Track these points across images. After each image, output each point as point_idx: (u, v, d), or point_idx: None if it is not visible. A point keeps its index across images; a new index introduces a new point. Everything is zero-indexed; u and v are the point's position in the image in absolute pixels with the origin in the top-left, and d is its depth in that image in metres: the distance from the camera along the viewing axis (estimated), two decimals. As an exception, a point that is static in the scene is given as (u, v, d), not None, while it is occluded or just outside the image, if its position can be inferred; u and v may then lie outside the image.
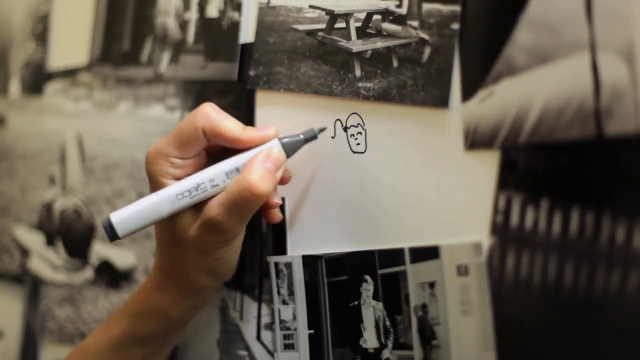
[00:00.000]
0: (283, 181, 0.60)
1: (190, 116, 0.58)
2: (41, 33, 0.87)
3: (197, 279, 0.61)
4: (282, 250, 0.64)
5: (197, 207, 0.58)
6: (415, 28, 0.56)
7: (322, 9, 0.61)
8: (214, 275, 0.62)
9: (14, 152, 0.88)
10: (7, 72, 0.90)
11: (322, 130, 0.59)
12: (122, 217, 0.58)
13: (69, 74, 0.83)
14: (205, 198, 0.57)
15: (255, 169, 0.56)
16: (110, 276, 0.78)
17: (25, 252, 0.86)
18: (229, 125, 0.57)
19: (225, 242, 0.58)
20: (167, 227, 0.59)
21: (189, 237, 0.58)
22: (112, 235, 0.58)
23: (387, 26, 0.58)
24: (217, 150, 0.60)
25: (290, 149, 0.59)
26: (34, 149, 0.86)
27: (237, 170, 0.57)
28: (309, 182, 0.61)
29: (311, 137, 0.59)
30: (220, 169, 0.58)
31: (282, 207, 0.62)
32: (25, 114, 0.88)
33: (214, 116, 0.57)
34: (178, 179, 0.58)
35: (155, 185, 0.59)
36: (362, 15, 0.59)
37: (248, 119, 0.66)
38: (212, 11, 0.70)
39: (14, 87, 0.89)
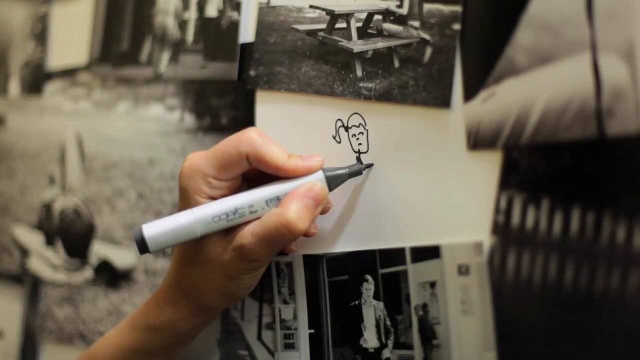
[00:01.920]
0: (322, 212, 0.59)
1: (234, 140, 0.57)
2: (41, 33, 0.86)
3: (214, 300, 0.60)
4: (282, 251, 0.63)
5: (228, 230, 0.57)
6: (416, 28, 0.56)
7: (323, 9, 0.61)
8: (231, 297, 0.61)
9: (14, 152, 0.88)
10: (7, 72, 0.90)
11: (369, 166, 0.58)
12: (155, 232, 0.56)
13: (69, 74, 0.83)
14: (241, 223, 0.56)
15: (295, 204, 0.55)
16: (110, 276, 0.78)
17: (25, 252, 0.86)
18: (274, 153, 0.56)
19: (252, 270, 0.58)
20: (194, 246, 0.58)
21: (216, 260, 0.57)
22: (143, 249, 0.56)
23: (388, 26, 0.58)
24: (255, 173, 0.59)
25: (334, 182, 0.57)
26: (34, 149, 0.86)
27: (278, 199, 0.56)
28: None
29: (356, 172, 0.58)
30: (261, 195, 0.56)
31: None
32: (25, 114, 0.87)
33: (259, 143, 0.56)
34: (213, 198, 0.57)
35: (187, 201, 0.58)
36: (363, 16, 0.59)
37: (248, 119, 0.66)
38: (212, 11, 0.70)
39: (14, 87, 0.89)
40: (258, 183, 0.58)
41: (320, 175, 0.57)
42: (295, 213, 0.55)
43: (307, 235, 0.59)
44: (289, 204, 0.55)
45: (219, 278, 0.58)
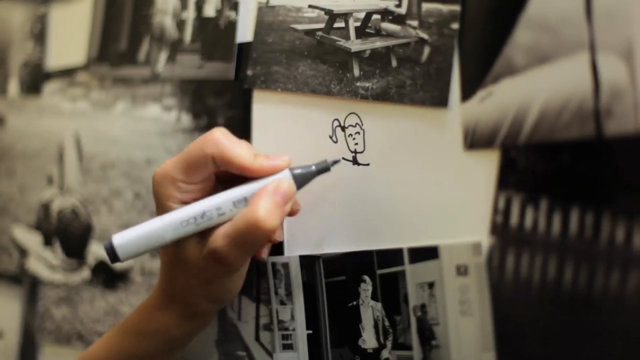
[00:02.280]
0: (291, 213, 0.59)
1: (200, 142, 0.56)
2: (39, 33, 0.86)
3: (199, 304, 0.60)
4: (279, 251, 0.63)
5: (204, 234, 0.56)
6: (414, 28, 0.56)
7: (321, 9, 0.61)
8: (216, 301, 0.61)
9: (13, 152, 0.88)
10: (6, 72, 0.90)
11: (335, 162, 0.57)
12: (125, 240, 0.56)
13: (67, 73, 0.83)
14: (211, 226, 0.56)
15: (264, 202, 0.54)
16: (107, 276, 0.78)
17: (23, 252, 0.86)
18: (239, 153, 0.55)
19: (229, 273, 0.58)
20: (173, 251, 0.58)
21: (193, 265, 0.57)
22: (114, 258, 0.56)
23: (387, 26, 0.58)
24: (227, 174, 0.58)
25: (302, 180, 0.57)
26: (33, 149, 0.86)
27: (245, 199, 0.56)
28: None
29: (324, 168, 0.57)
30: (228, 197, 0.56)
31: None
32: (24, 114, 0.87)
33: (224, 143, 0.55)
34: (185, 203, 0.57)
35: (161, 207, 0.58)
36: (361, 15, 0.59)
37: (245, 118, 0.65)
38: (209, 10, 0.70)
39: (13, 87, 0.89)
40: (232, 185, 0.57)
41: (286, 173, 0.56)
42: (263, 210, 0.54)
43: (272, 241, 0.58)
44: (257, 202, 0.54)
45: (199, 284, 0.58)
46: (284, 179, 0.56)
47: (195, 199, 0.57)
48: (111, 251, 0.56)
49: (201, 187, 0.57)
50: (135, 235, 0.56)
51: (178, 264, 0.58)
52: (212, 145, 0.56)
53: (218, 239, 0.55)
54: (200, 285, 0.58)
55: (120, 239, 0.56)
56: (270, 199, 0.54)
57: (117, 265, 0.77)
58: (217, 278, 0.58)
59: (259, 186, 0.56)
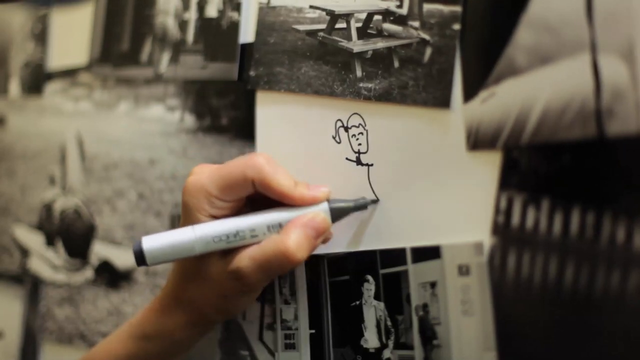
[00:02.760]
0: (323, 242, 0.59)
1: (241, 164, 0.56)
2: (41, 33, 0.86)
3: (208, 315, 0.60)
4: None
5: (228, 250, 0.56)
6: (416, 28, 0.56)
7: (323, 9, 0.61)
8: (226, 313, 0.61)
9: (14, 152, 0.88)
10: (7, 72, 0.90)
11: (374, 202, 0.58)
12: (154, 246, 0.56)
13: (69, 74, 0.83)
14: (240, 245, 0.56)
15: (295, 234, 0.54)
16: (110, 276, 0.78)
17: (25, 252, 0.86)
18: (280, 180, 0.55)
19: (246, 292, 0.58)
20: (192, 262, 0.58)
21: (213, 279, 0.57)
22: (141, 262, 0.56)
23: (388, 26, 0.58)
24: (259, 194, 0.58)
25: (338, 214, 0.57)
26: (34, 149, 0.86)
27: (280, 225, 0.56)
28: (310, 182, 0.61)
29: (361, 206, 0.57)
30: (263, 220, 0.56)
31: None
32: (25, 114, 0.87)
33: (266, 170, 0.55)
34: (214, 217, 0.57)
35: (188, 216, 0.57)
36: (363, 16, 0.59)
37: (248, 119, 0.65)
38: (212, 11, 0.70)
39: (14, 87, 0.89)
40: (261, 205, 0.57)
41: (324, 206, 0.57)
42: (294, 242, 0.54)
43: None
44: (289, 232, 0.55)
45: (214, 296, 0.58)
46: (320, 213, 0.56)
47: (225, 216, 0.57)
48: (140, 254, 0.56)
49: (233, 205, 0.57)
50: (165, 242, 0.56)
51: (195, 275, 0.58)
52: (254, 170, 0.56)
53: (244, 259, 0.55)
54: (215, 298, 0.58)
55: (150, 244, 0.56)
56: (303, 231, 0.55)
57: (121, 265, 0.77)
58: (233, 294, 0.58)
59: (295, 214, 0.56)
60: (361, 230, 0.59)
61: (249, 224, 0.56)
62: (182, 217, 0.58)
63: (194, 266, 0.58)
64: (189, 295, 0.60)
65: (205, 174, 0.57)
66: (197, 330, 0.62)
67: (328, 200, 0.57)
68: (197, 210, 0.57)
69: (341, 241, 0.60)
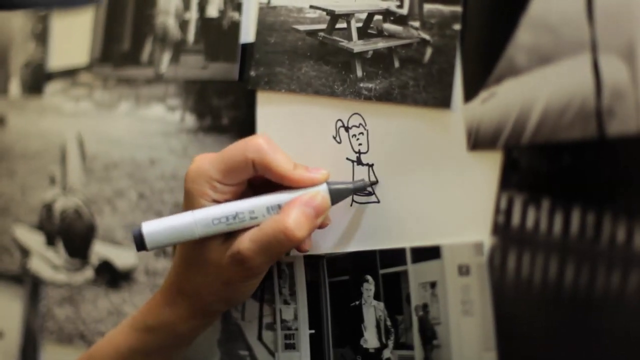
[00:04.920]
0: (321, 226, 0.59)
1: (241, 145, 0.57)
2: (41, 33, 0.86)
3: (211, 304, 0.60)
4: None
5: (228, 236, 0.57)
6: (416, 28, 0.56)
7: (323, 9, 0.61)
8: (229, 302, 0.61)
9: (14, 152, 0.88)
10: (7, 72, 0.90)
11: (373, 183, 0.58)
12: (154, 229, 0.56)
13: (69, 74, 0.83)
14: (240, 228, 0.56)
15: (295, 212, 0.55)
16: (111, 276, 0.78)
17: (25, 252, 0.86)
18: (280, 161, 0.56)
19: (249, 277, 0.58)
20: (194, 248, 0.58)
21: (214, 265, 0.57)
22: (141, 245, 0.56)
23: (388, 26, 0.58)
24: (260, 180, 0.58)
25: (337, 196, 0.57)
26: (34, 149, 0.86)
27: (279, 206, 0.56)
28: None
29: (360, 187, 0.58)
30: (262, 202, 0.56)
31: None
32: (26, 114, 0.87)
33: (265, 149, 0.56)
34: (216, 202, 0.57)
35: (191, 203, 0.58)
36: (363, 16, 0.59)
37: (249, 119, 0.66)
38: (212, 11, 0.70)
39: (14, 87, 0.89)
40: (263, 191, 0.57)
41: (324, 187, 0.57)
42: (294, 220, 0.54)
43: (300, 250, 0.59)
44: (288, 211, 0.55)
45: (217, 283, 0.58)
46: (319, 192, 0.56)
47: (227, 200, 0.57)
48: (139, 238, 0.56)
49: (235, 189, 0.58)
50: (165, 226, 0.56)
51: (197, 263, 0.58)
52: (254, 150, 0.56)
53: (245, 241, 0.55)
54: (218, 286, 0.58)
55: (150, 227, 0.56)
56: (302, 210, 0.55)
57: (121, 265, 0.77)
58: (236, 280, 0.58)
59: (294, 196, 0.56)
60: (361, 229, 0.59)
61: (248, 206, 0.56)
62: (184, 205, 0.59)
63: (195, 254, 0.58)
64: (191, 285, 0.60)
65: (207, 160, 0.57)
66: (199, 322, 0.62)
67: (327, 182, 0.57)
68: (199, 195, 0.57)
69: (340, 241, 0.60)
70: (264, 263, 0.56)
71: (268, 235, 0.55)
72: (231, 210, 0.56)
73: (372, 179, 0.58)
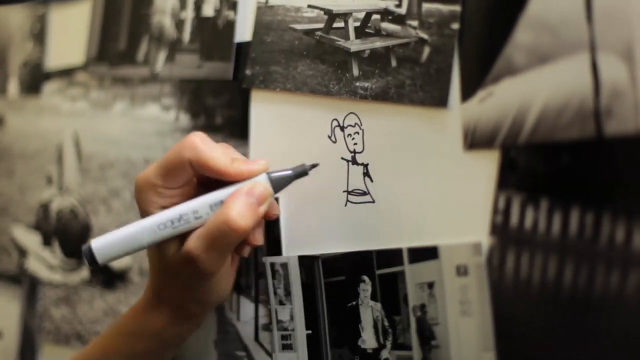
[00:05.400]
0: (267, 217, 0.59)
1: (177, 147, 0.57)
2: (39, 33, 0.86)
3: (186, 307, 0.61)
4: (277, 251, 0.63)
5: (184, 238, 0.56)
6: (414, 28, 0.56)
7: (321, 9, 0.61)
8: (202, 303, 0.61)
9: (13, 152, 0.88)
10: (6, 72, 0.90)
11: (313, 166, 0.58)
12: (103, 244, 0.57)
13: (66, 73, 0.83)
14: (188, 229, 0.56)
15: (236, 203, 0.55)
16: (106, 277, 0.78)
17: (22, 252, 0.86)
18: (216, 157, 0.56)
19: (205, 277, 0.57)
20: (156, 254, 0.59)
21: (172, 269, 0.57)
22: (92, 261, 0.57)
23: (386, 26, 0.58)
24: (208, 179, 0.58)
25: (279, 184, 0.57)
26: (32, 149, 0.86)
27: (222, 202, 0.56)
28: (305, 181, 0.61)
29: (301, 172, 0.58)
30: (205, 200, 0.56)
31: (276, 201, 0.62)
32: (23, 113, 0.87)
33: (200, 148, 0.56)
34: (165, 208, 0.57)
35: (143, 213, 0.58)
36: (361, 15, 0.59)
37: (243, 118, 0.65)
38: (208, 10, 0.70)
39: (12, 87, 0.89)
40: (214, 190, 0.57)
41: (263, 177, 0.57)
42: (235, 210, 0.54)
43: (250, 243, 0.58)
44: (229, 203, 0.55)
45: (181, 287, 0.58)
46: (259, 182, 0.56)
47: (176, 204, 0.57)
48: (89, 255, 0.57)
49: (181, 191, 0.58)
50: (114, 239, 0.57)
51: (161, 268, 0.59)
52: (189, 149, 0.56)
53: (192, 240, 0.55)
54: (183, 289, 0.59)
55: (99, 243, 0.57)
56: (243, 200, 0.55)
57: (116, 266, 0.77)
58: (196, 281, 0.58)
59: (235, 189, 0.56)
60: (356, 230, 0.59)
61: (191, 207, 0.56)
62: (141, 217, 0.58)
63: (158, 261, 0.59)
64: (165, 290, 0.60)
65: (149, 169, 0.58)
66: (183, 326, 0.62)
67: (267, 172, 0.57)
68: (147, 204, 0.57)
69: (336, 241, 0.60)
70: (214, 259, 0.56)
71: (212, 230, 0.55)
72: (175, 213, 0.56)
73: (367, 179, 0.58)
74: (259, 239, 0.58)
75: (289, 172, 0.58)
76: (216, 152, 0.56)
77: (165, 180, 0.57)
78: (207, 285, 0.58)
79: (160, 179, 0.57)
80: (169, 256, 0.57)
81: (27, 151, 0.87)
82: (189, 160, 0.56)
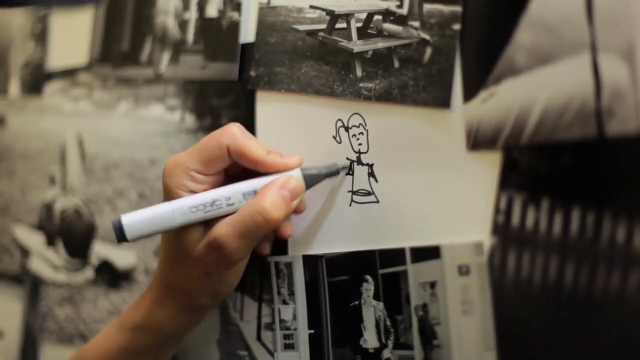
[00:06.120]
0: (296, 211, 0.59)
1: (216, 133, 0.58)
2: (41, 33, 0.86)
3: (197, 297, 0.61)
4: (283, 250, 0.63)
5: (208, 225, 0.57)
6: (416, 28, 0.56)
7: (323, 9, 0.61)
8: (214, 295, 0.62)
9: (14, 152, 0.88)
10: (7, 72, 0.90)
11: (345, 167, 0.59)
12: (134, 220, 0.57)
13: (69, 74, 0.83)
14: (218, 215, 0.57)
15: (271, 194, 0.56)
16: (110, 276, 0.78)
17: (25, 252, 0.86)
18: (253, 147, 0.57)
19: (228, 264, 0.58)
20: (175, 240, 0.58)
21: (194, 255, 0.57)
22: (121, 236, 0.57)
23: (388, 26, 0.58)
24: (236, 171, 0.59)
25: (310, 181, 0.58)
26: (34, 149, 0.86)
27: (255, 192, 0.57)
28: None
29: (333, 172, 0.59)
30: (239, 188, 0.57)
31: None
32: (25, 114, 0.87)
33: (239, 136, 0.57)
34: (193, 193, 0.58)
35: (168, 196, 0.58)
36: (363, 16, 0.59)
37: (249, 119, 0.66)
38: (212, 11, 0.70)
39: (14, 87, 0.89)
40: (240, 180, 0.58)
41: (297, 171, 0.58)
42: (270, 201, 0.55)
43: (282, 236, 0.59)
44: (264, 193, 0.56)
45: (198, 275, 0.58)
46: (294, 176, 0.57)
47: (204, 191, 0.58)
48: (119, 230, 0.57)
49: (213, 179, 0.58)
50: (145, 216, 0.57)
51: (179, 254, 0.59)
52: (229, 136, 0.57)
53: (222, 227, 0.56)
54: (200, 277, 0.58)
55: (129, 219, 0.57)
56: (278, 192, 0.56)
57: (121, 265, 0.77)
58: (217, 269, 0.58)
59: (269, 180, 0.57)
60: (360, 229, 0.59)
61: (224, 193, 0.57)
62: (163, 200, 0.59)
63: (177, 247, 0.59)
64: (176, 279, 0.60)
65: (183, 153, 0.58)
66: (187, 319, 0.62)
67: (300, 168, 0.58)
68: (177, 187, 0.58)
69: (339, 241, 0.60)
70: (242, 248, 0.56)
71: (245, 218, 0.55)
72: (208, 198, 0.57)
73: (372, 179, 0.58)
74: (288, 230, 0.59)
75: (322, 170, 0.59)
76: (254, 142, 0.57)
77: (202, 165, 0.57)
78: (224, 275, 0.59)
79: (197, 164, 0.57)
80: (191, 242, 0.57)
81: (28, 151, 0.87)
82: (228, 147, 0.57)
